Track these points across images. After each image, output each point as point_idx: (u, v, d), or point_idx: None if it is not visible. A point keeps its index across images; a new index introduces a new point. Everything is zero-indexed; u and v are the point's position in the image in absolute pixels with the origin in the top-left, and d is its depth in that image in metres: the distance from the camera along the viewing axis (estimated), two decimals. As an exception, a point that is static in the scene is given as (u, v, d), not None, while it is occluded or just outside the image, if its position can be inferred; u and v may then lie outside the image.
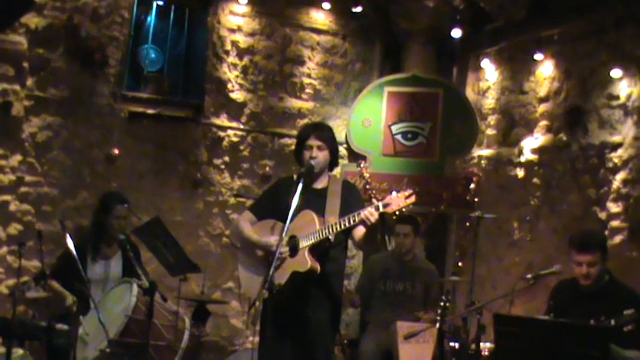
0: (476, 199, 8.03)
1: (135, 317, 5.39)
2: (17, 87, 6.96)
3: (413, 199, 4.56)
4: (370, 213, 4.58)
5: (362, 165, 8.30)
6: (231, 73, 8.14)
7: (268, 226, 5.01)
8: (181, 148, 7.94)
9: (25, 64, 7.02)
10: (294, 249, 4.82)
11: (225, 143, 8.12)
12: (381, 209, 4.56)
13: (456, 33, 8.26)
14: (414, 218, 7.03)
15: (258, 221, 5.11)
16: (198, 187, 8.00)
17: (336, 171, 7.24)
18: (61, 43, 7.23)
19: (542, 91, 7.72)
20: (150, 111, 7.70)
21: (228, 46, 8.13)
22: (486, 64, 8.40)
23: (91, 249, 6.06)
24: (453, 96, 8.47)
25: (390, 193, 4.63)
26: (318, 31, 8.62)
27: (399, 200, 4.55)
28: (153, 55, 7.92)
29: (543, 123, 7.67)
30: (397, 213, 4.66)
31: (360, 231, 4.83)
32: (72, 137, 7.36)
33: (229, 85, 8.13)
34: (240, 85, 8.19)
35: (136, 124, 7.67)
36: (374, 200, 4.65)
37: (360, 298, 7.05)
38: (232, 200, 8.08)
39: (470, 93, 8.64)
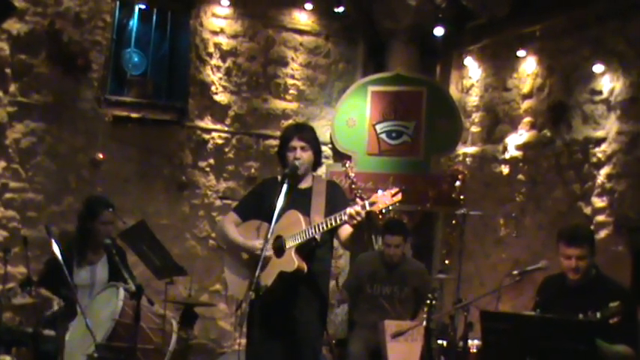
0: (461, 197, 8.06)
1: (122, 321, 5.36)
2: (0, 93, 6.92)
3: (399, 197, 4.51)
4: (357, 212, 4.52)
5: (347, 165, 8.33)
6: (214, 76, 8.13)
7: (254, 226, 5.00)
8: (166, 151, 7.92)
9: (8, 70, 6.98)
10: (280, 249, 4.82)
11: (209, 145, 8.11)
12: (367, 208, 4.51)
13: (439, 31, 8.25)
14: (403, 227, 6.94)
15: (243, 222, 5.11)
16: (183, 190, 7.99)
17: (321, 171, 7.24)
18: (44, 48, 7.20)
19: (526, 88, 7.75)
20: (134, 115, 7.67)
21: (211, 49, 8.12)
22: (469, 61, 8.44)
23: (76, 254, 6.02)
24: (436, 94, 8.49)
25: (377, 191, 4.60)
26: (301, 32, 8.61)
27: (385, 198, 4.50)
28: (136, 59, 7.89)
29: (527, 119, 7.69)
30: (384, 211, 4.64)
31: (346, 230, 4.81)
32: (56, 142, 7.33)
33: (213, 88, 8.12)
34: (224, 87, 8.18)
35: (121, 128, 7.65)
36: (358, 200, 4.61)
37: (348, 296, 7.04)
38: (218, 202, 8.07)
39: (454, 91, 8.66)
